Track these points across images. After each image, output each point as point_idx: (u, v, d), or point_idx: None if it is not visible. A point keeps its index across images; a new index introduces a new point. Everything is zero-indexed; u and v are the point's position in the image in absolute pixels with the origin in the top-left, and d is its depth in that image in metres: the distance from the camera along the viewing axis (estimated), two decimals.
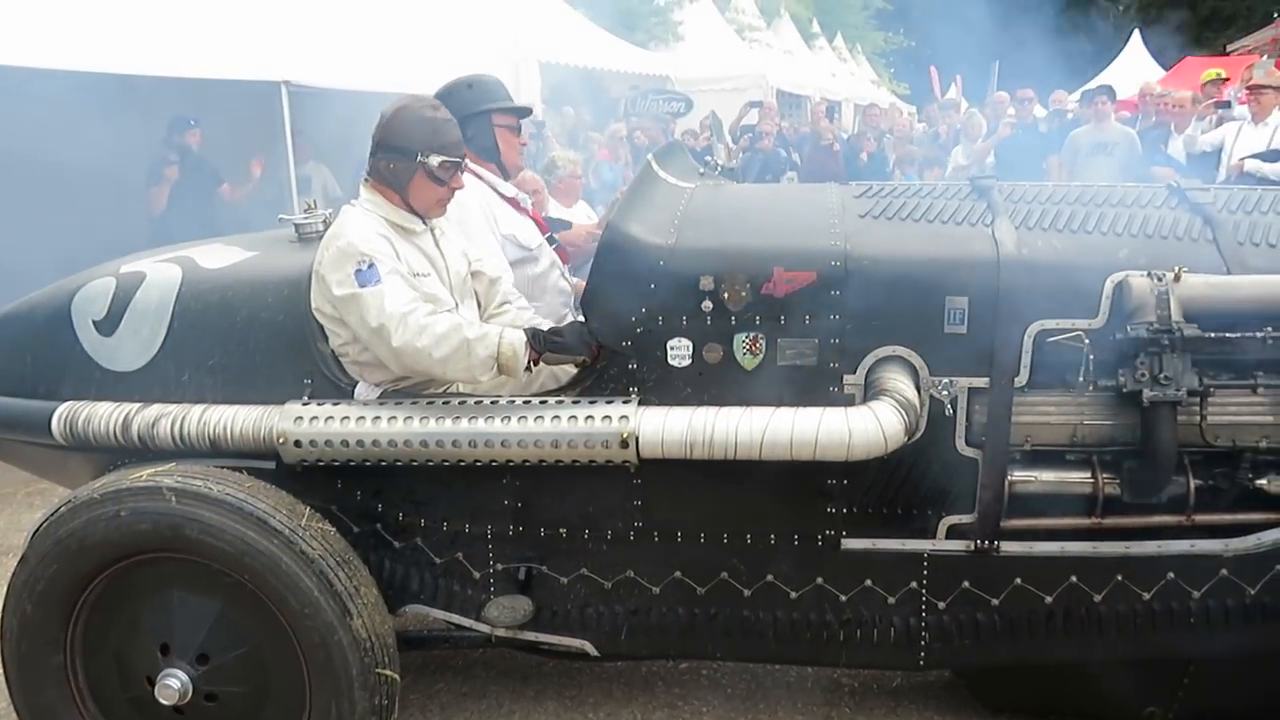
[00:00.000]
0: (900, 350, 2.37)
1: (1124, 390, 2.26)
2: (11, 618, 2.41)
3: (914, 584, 2.47)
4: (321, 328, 2.55)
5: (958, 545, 2.43)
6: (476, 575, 2.61)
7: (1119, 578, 2.38)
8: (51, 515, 2.40)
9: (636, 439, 2.31)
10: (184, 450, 2.53)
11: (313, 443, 2.42)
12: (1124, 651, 2.46)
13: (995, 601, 2.46)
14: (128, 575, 2.41)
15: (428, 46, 8.86)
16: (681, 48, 16.19)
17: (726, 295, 2.37)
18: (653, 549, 2.53)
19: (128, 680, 2.47)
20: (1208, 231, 2.43)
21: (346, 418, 2.42)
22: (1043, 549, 2.42)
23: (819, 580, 2.51)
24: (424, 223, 2.64)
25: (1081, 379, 2.32)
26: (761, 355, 2.39)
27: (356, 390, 2.54)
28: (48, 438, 2.65)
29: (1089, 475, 2.38)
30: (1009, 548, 2.42)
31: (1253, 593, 2.34)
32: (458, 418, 2.39)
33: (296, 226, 2.86)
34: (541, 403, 2.42)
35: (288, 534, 2.30)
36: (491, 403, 2.43)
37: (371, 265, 2.40)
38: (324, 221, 2.83)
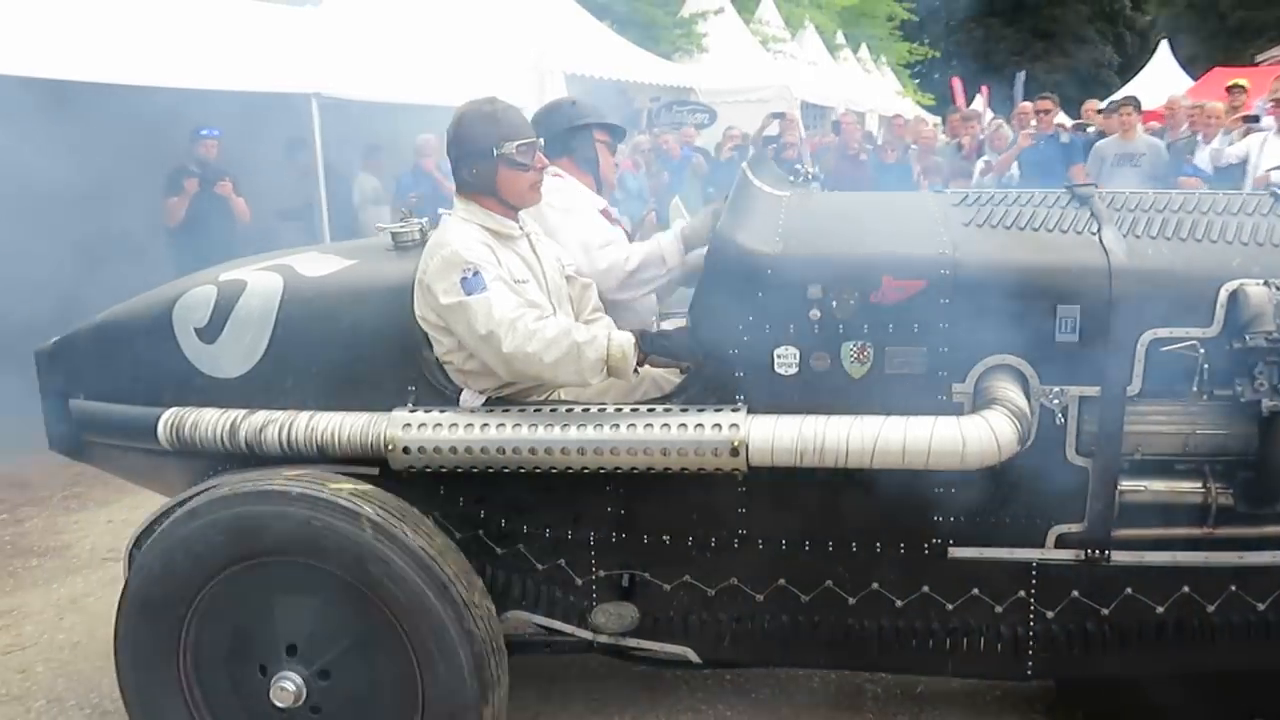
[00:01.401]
0: (1010, 359, 2.36)
1: (1241, 400, 2.24)
2: (165, 567, 2.44)
3: (1022, 593, 2.46)
4: (426, 336, 2.57)
5: (1067, 554, 2.42)
6: (579, 581, 2.62)
7: (1233, 588, 2.37)
8: (213, 494, 2.44)
9: (747, 447, 2.32)
10: (290, 456, 2.57)
11: (421, 449, 2.45)
12: (1236, 662, 2.44)
13: (1105, 611, 2.44)
14: (275, 566, 2.43)
15: (454, 58, 8.97)
16: (706, 59, 16.24)
17: (835, 304, 2.37)
18: (757, 556, 2.54)
19: (242, 658, 2.50)
20: None
21: (455, 425, 2.45)
22: (1154, 559, 2.41)
23: (925, 588, 2.50)
24: (520, 226, 2.68)
25: (1195, 388, 2.30)
26: (869, 364, 2.39)
27: (462, 398, 2.55)
28: (151, 442, 2.69)
29: (1201, 485, 2.37)
30: (1119, 557, 2.40)
31: None
32: (566, 425, 2.40)
33: (393, 235, 2.88)
34: (650, 410, 2.43)
35: (461, 605, 2.34)
36: (599, 410, 2.44)
37: (476, 273, 2.43)
38: (420, 230, 2.86)
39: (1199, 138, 8.04)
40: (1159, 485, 2.39)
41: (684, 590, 2.59)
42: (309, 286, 2.74)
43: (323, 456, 2.55)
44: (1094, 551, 2.40)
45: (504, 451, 2.41)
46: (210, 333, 2.72)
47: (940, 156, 10.31)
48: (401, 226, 2.87)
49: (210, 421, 2.62)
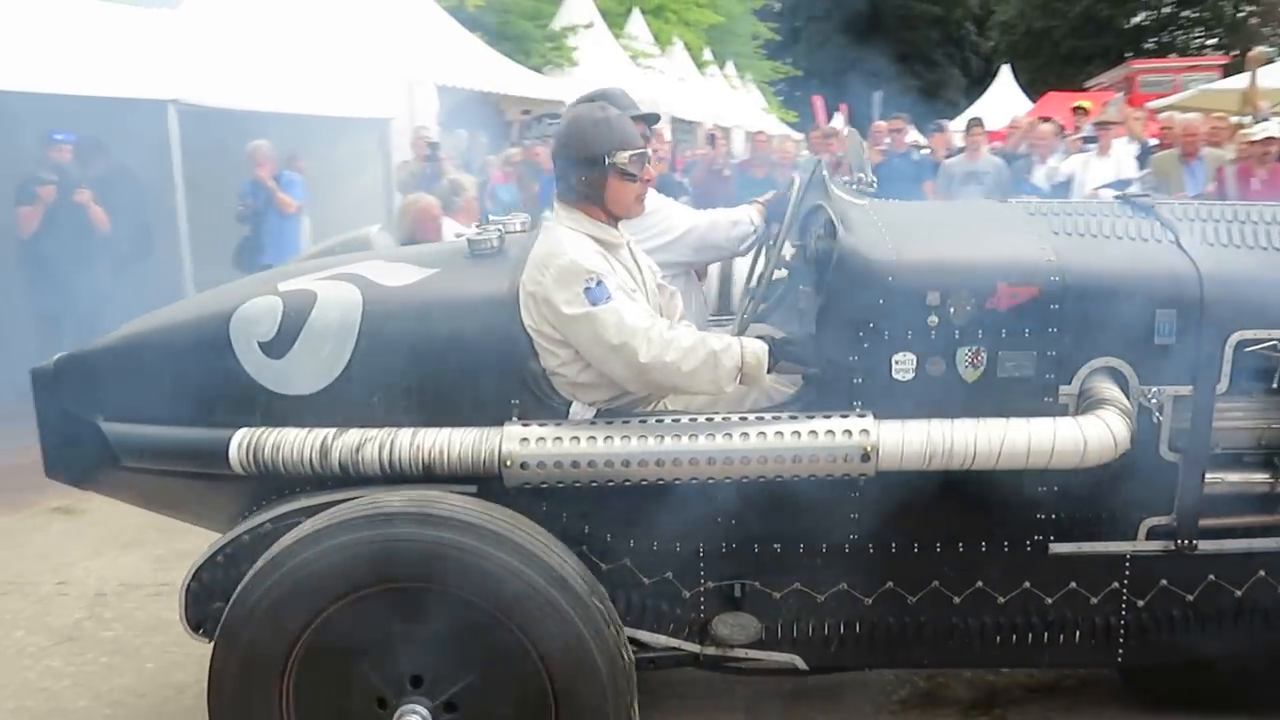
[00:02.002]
0: (1113, 361, 2.49)
1: None
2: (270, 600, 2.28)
3: (1115, 584, 2.60)
4: (533, 347, 2.48)
5: (1158, 545, 2.57)
6: (686, 594, 2.59)
7: None
8: (334, 518, 2.29)
9: (877, 451, 2.35)
10: (391, 476, 2.42)
11: (541, 464, 2.36)
12: None
13: (1190, 597, 2.60)
14: (397, 594, 2.31)
15: (322, 67, 8.71)
16: (576, 73, 16.31)
17: (952, 310, 2.44)
18: (867, 560, 2.57)
19: (355, 692, 2.36)
20: None
21: (576, 438, 2.37)
22: (1233, 546, 2.58)
23: (1027, 584, 2.60)
24: (622, 235, 2.63)
25: (1276, 385, 2.50)
26: (982, 368, 2.47)
27: (572, 410, 2.48)
28: (220, 467, 2.49)
29: (1271, 476, 2.56)
30: (1203, 546, 2.57)
31: None
32: (694, 435, 2.37)
33: (470, 242, 2.77)
34: (775, 418, 2.43)
35: (600, 623, 2.30)
36: (724, 419, 2.43)
37: (600, 282, 2.37)
38: (499, 238, 2.76)
39: (1035, 157, 8.56)
40: (1235, 477, 2.57)
41: (793, 597, 2.60)
42: (393, 297, 2.59)
43: (429, 476, 2.42)
44: (1183, 541, 2.55)
45: (629, 464, 2.35)
46: (278, 347, 2.53)
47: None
48: (480, 234, 2.76)
49: (295, 442, 2.45)
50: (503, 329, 2.50)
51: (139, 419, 2.65)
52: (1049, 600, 2.61)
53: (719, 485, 2.43)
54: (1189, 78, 19.73)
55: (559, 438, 2.37)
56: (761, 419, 2.43)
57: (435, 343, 2.52)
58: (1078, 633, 2.63)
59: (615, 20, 19.59)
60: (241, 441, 2.48)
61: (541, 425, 2.41)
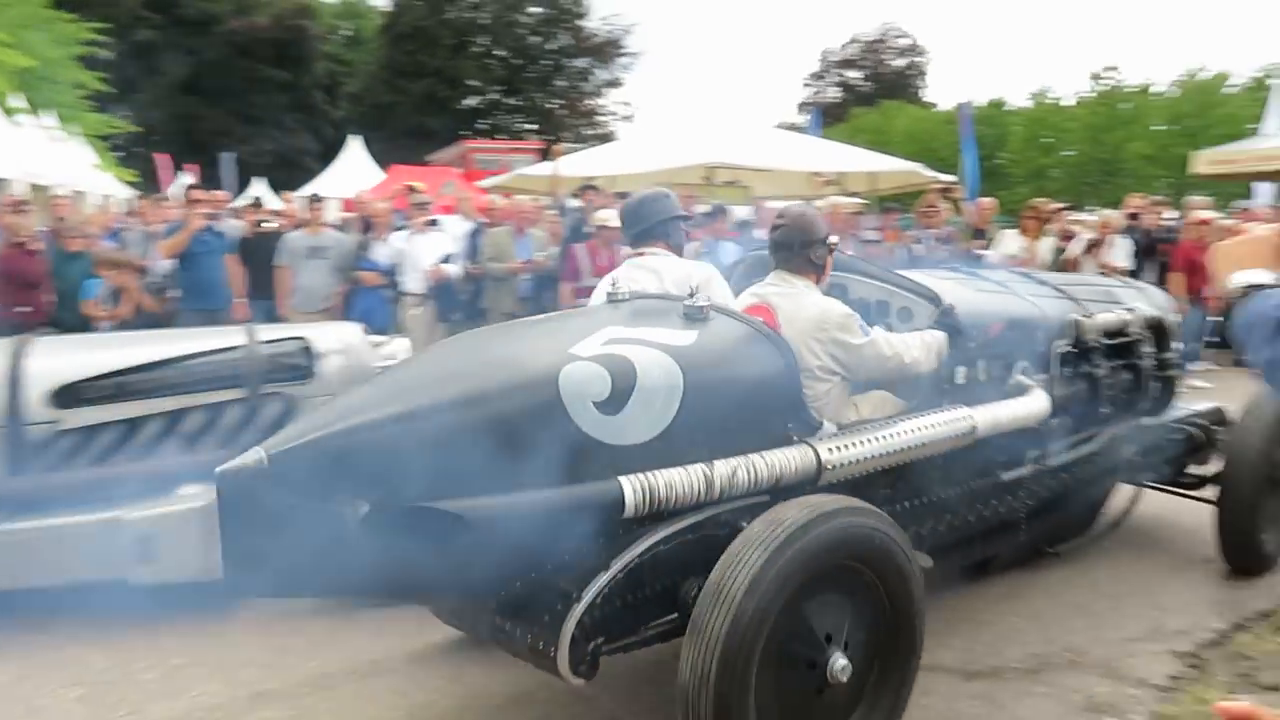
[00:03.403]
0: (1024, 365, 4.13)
1: None
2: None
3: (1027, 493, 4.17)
4: (800, 383, 3.29)
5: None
6: (923, 530, 3.75)
7: None
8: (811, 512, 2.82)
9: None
10: (750, 491, 3.04)
11: (842, 465, 3.25)
12: None
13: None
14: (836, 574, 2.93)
15: None
16: None
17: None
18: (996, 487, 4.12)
19: (801, 651, 2.84)
20: None
21: (866, 442, 3.35)
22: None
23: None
24: None
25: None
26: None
27: (824, 428, 3.31)
28: (617, 513, 2.76)
29: None
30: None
31: None
32: (936, 426, 3.59)
33: (686, 307, 3.22)
34: (937, 411, 3.72)
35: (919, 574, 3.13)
36: (927, 417, 3.63)
37: (861, 322, 3.50)
38: (707, 300, 3.29)
39: (371, 234, 8.94)
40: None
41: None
42: (694, 355, 3.03)
43: (775, 487, 3.07)
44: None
45: (895, 453, 3.42)
46: (611, 405, 2.80)
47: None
48: (692, 301, 3.24)
49: (682, 480, 2.86)
50: (775, 373, 3.21)
51: (461, 493, 2.57)
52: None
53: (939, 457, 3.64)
54: (514, 158, 22.45)
55: (851, 444, 3.29)
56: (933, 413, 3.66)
57: (735, 389, 3.12)
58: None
59: None
60: (635, 487, 2.76)
61: (834, 440, 3.28)
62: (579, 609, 2.70)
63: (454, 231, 9.54)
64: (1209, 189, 23.93)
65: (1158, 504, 5.26)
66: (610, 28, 40.44)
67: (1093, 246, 9.11)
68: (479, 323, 9.20)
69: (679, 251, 3.96)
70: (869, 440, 3.34)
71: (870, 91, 49.43)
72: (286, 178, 24.71)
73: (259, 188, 22.68)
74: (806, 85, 54.27)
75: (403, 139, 33.29)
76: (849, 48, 52.44)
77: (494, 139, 32.57)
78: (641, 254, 3.86)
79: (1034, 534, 4.37)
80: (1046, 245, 9.01)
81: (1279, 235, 1.63)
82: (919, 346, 3.62)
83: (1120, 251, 9.32)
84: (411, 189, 9.35)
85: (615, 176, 12.33)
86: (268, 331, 4.86)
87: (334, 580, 2.66)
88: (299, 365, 4.65)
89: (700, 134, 12.89)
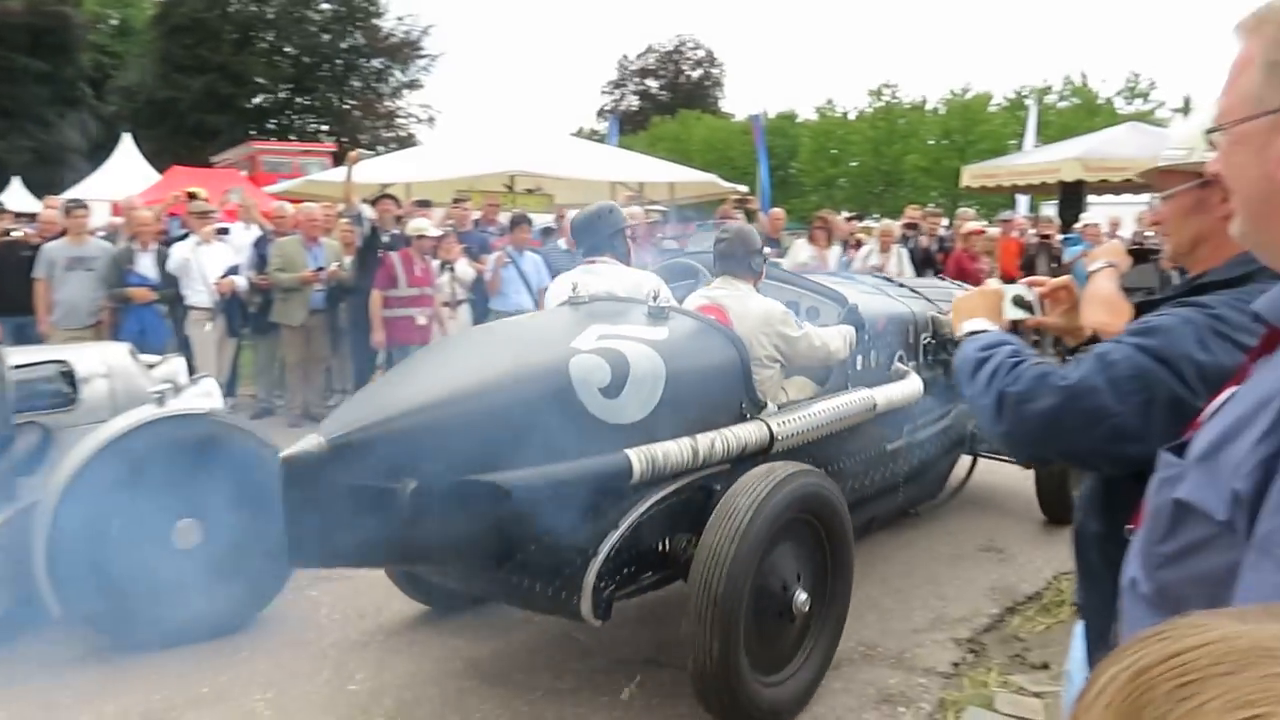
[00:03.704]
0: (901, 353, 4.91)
1: None
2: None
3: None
4: (750, 369, 3.86)
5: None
6: (852, 485, 4.44)
7: None
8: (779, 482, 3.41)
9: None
10: (726, 459, 3.62)
11: (789, 436, 3.85)
12: None
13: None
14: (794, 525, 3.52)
15: None
16: None
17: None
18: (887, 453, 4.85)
19: (775, 589, 3.46)
20: None
21: (805, 417, 3.97)
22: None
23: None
24: None
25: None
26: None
27: (768, 408, 3.90)
28: (625, 480, 3.24)
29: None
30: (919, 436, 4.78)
31: None
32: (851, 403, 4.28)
33: (650, 308, 3.77)
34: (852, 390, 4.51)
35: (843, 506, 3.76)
36: (844, 398, 4.33)
37: (795, 318, 4.17)
38: (664, 306, 3.87)
39: (135, 244, 8.20)
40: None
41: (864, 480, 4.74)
42: (670, 347, 3.53)
43: (739, 456, 3.65)
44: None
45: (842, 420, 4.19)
46: (612, 390, 3.28)
47: None
48: (653, 304, 3.82)
49: (675, 450, 3.38)
50: (731, 361, 3.79)
51: (495, 468, 2.96)
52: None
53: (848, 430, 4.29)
54: (305, 161, 21.47)
55: (793, 420, 3.91)
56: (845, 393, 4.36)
57: (704, 376, 3.67)
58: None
59: None
60: (640, 458, 3.27)
61: (779, 416, 3.88)
62: (597, 562, 3.20)
63: (238, 241, 9.00)
64: (977, 200, 26.04)
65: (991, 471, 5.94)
66: (407, 28, 39.47)
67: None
68: (271, 337, 8.75)
69: (625, 261, 4.43)
70: (806, 415, 4.00)
71: (669, 100, 50.66)
72: (49, 177, 22.59)
73: (15, 188, 20.65)
74: (605, 93, 55.06)
75: (184, 138, 31.19)
76: (646, 57, 53.56)
77: (285, 140, 31.04)
78: (593, 263, 4.32)
79: (907, 496, 5.11)
80: (834, 254, 9.49)
81: (999, 295, 1.89)
82: (838, 338, 4.30)
83: (900, 260, 9.92)
84: (192, 195, 8.73)
85: (413, 184, 12.04)
86: (21, 355, 4.39)
87: (385, 550, 3.05)
88: (59, 392, 4.23)
89: (501, 141, 12.77)
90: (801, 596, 3.51)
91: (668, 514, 3.44)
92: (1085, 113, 31.60)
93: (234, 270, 8.27)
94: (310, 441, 2.79)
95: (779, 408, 3.99)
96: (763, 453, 3.76)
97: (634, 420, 3.33)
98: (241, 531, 4.07)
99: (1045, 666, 3.99)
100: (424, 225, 8.17)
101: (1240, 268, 1.51)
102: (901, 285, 5.81)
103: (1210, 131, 1.10)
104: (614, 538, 3.23)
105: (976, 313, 1.84)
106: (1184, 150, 1.63)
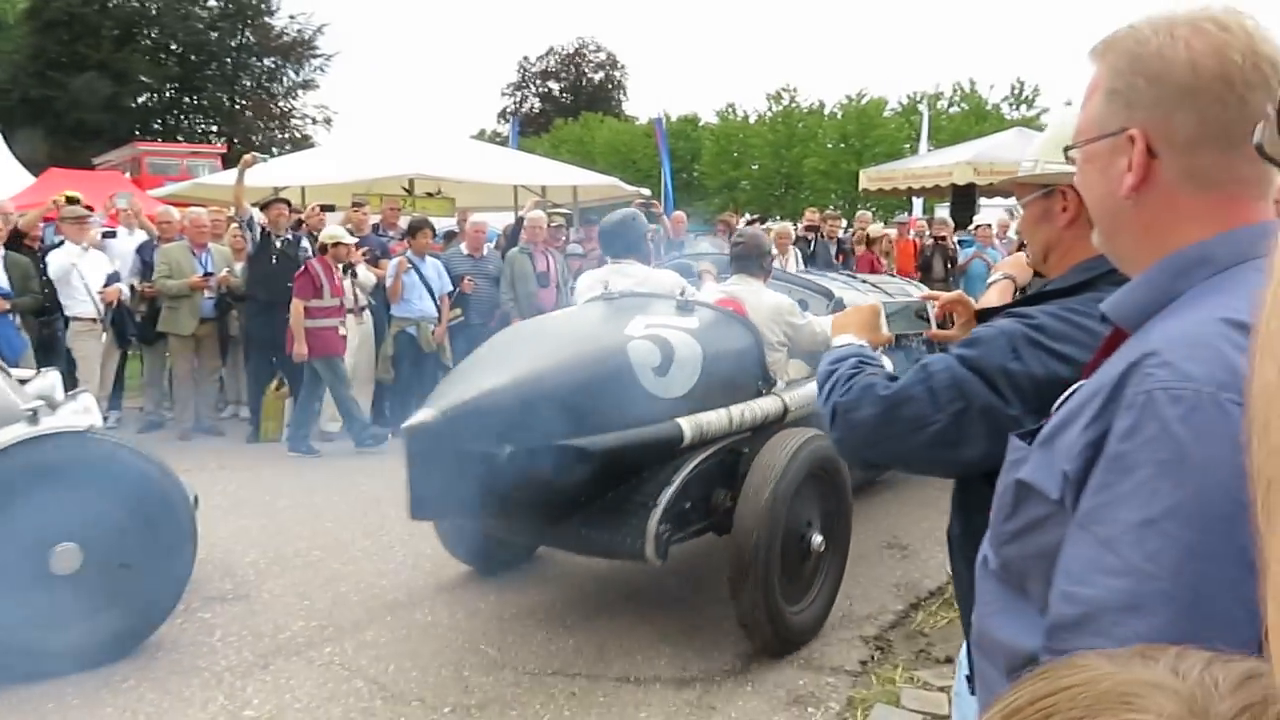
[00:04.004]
0: None
1: None
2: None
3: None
4: (764, 352, 4.51)
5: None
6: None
7: None
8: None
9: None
10: (751, 427, 4.32)
11: (799, 408, 4.54)
12: None
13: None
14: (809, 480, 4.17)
15: None
16: None
17: None
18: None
19: (798, 532, 4.13)
20: None
21: (802, 394, 4.56)
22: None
23: None
24: None
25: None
26: None
27: (778, 386, 4.56)
28: (677, 444, 3.92)
29: None
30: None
31: None
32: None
33: (679, 300, 4.50)
34: None
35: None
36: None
37: (799, 309, 4.82)
38: (691, 300, 4.58)
39: None
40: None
41: None
42: (702, 334, 4.19)
43: (763, 424, 4.34)
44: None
45: None
46: (661, 370, 3.95)
47: None
48: (682, 300, 4.53)
49: (720, 419, 4.08)
50: (749, 346, 4.48)
51: (575, 434, 3.66)
52: None
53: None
54: (193, 163, 20.69)
55: (796, 394, 4.57)
56: None
57: (728, 357, 4.29)
58: None
59: None
60: (689, 426, 3.93)
61: (789, 392, 4.59)
62: (658, 511, 3.77)
63: (122, 248, 8.59)
64: (875, 203, 26.70)
65: None
66: (300, 27, 38.37)
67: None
68: (158, 348, 8.38)
69: (646, 261, 5.40)
70: (808, 391, 4.46)
71: (571, 103, 50.53)
72: None
73: None
74: (506, 95, 54.59)
75: (62, 138, 29.65)
76: (547, 59, 53.30)
77: (172, 141, 29.84)
78: (620, 263, 5.12)
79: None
80: None
81: (874, 312, 1.96)
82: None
83: (796, 262, 10.06)
84: (71, 200, 8.26)
85: (308, 187, 11.70)
86: None
87: (487, 503, 3.64)
88: None
89: (400, 143, 12.52)
90: (818, 538, 4.18)
91: (708, 473, 4.05)
92: (974, 118, 32.74)
93: (114, 278, 7.88)
94: (425, 414, 3.48)
95: (786, 384, 4.69)
96: (777, 421, 4.46)
97: (680, 395, 4.01)
98: (126, 553, 3.86)
99: (949, 660, 4.06)
100: (339, 233, 7.94)
101: (1078, 276, 1.59)
102: (864, 280, 6.68)
103: (1068, 149, 1.19)
104: (670, 491, 3.82)
105: (849, 329, 1.92)
106: (1031, 163, 1.72)
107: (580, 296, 4.99)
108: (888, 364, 1.82)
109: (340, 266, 7.80)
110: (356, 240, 8.32)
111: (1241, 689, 0.52)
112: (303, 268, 7.58)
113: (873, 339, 1.89)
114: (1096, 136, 1.09)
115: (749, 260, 4.90)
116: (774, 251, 5.30)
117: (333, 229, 8.02)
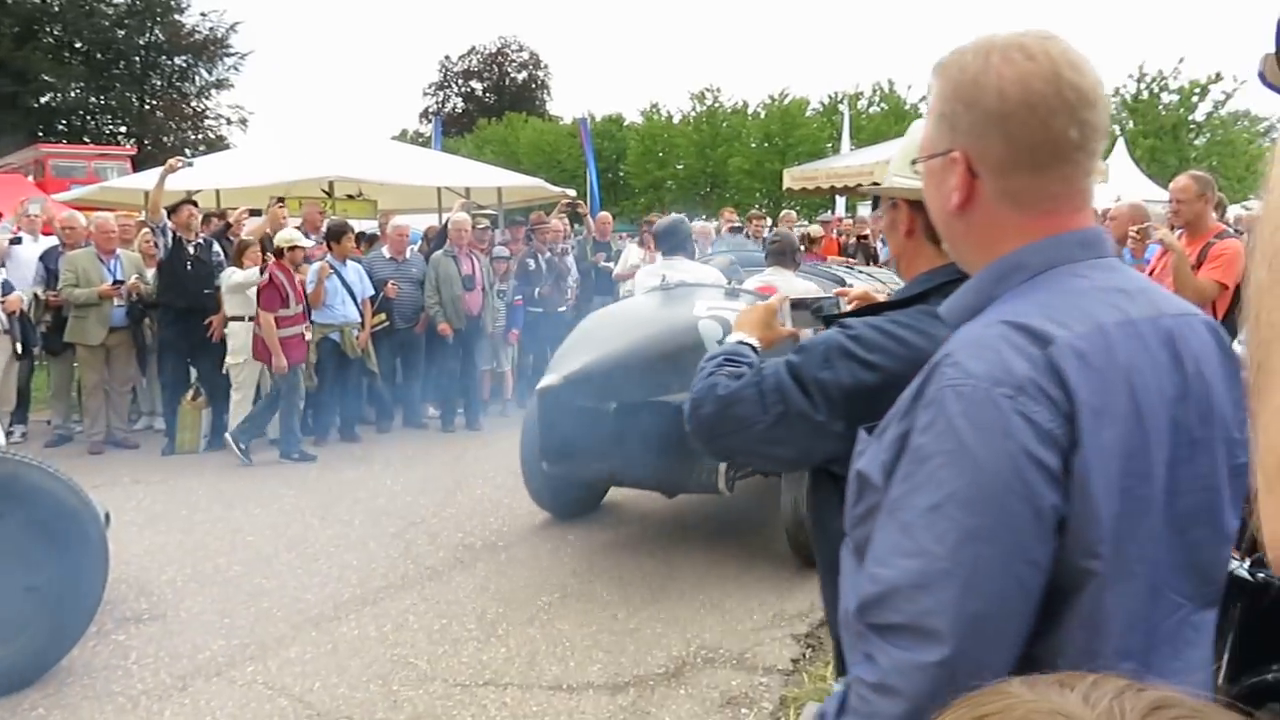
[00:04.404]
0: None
1: None
2: None
3: None
4: None
5: None
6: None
7: None
8: None
9: None
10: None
11: None
12: None
13: None
14: None
15: None
16: None
17: None
18: None
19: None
20: None
21: None
22: None
23: None
24: None
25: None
26: None
27: None
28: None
29: None
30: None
31: None
32: None
33: (727, 290, 5.37)
34: None
35: None
36: None
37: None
38: (737, 288, 5.44)
39: None
40: None
41: None
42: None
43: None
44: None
45: None
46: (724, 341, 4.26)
47: None
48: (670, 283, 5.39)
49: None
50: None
51: (665, 392, 4.60)
52: None
53: None
54: (101, 165, 19.98)
55: None
56: None
57: None
58: None
59: None
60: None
61: None
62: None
63: (25, 255, 8.25)
64: (799, 202, 27.02)
65: None
66: (212, 24, 37.26)
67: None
68: (66, 358, 8.06)
69: (691, 257, 6.29)
70: None
71: (494, 103, 50.10)
72: None
73: None
74: (428, 94, 53.88)
75: None
76: (469, 58, 52.76)
77: (78, 142, 28.75)
78: (671, 260, 5.90)
79: None
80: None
81: (768, 311, 2.01)
82: None
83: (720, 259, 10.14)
84: None
85: (224, 190, 11.37)
86: None
87: (599, 448, 4.81)
88: None
89: (320, 145, 12.23)
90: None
91: None
92: (894, 118, 33.30)
93: (9, 287, 7.53)
94: (551, 378, 4.67)
95: None
96: None
97: None
98: (33, 574, 3.69)
99: None
100: (295, 235, 7.71)
101: (916, 288, 1.67)
102: (862, 272, 7.57)
103: (914, 162, 1.26)
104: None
105: (743, 327, 1.98)
106: (879, 175, 1.82)
107: (641, 287, 6.02)
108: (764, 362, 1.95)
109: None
110: (315, 241, 8.14)
111: (1149, 718, 0.55)
112: (266, 278, 7.35)
113: (763, 336, 1.96)
114: (930, 155, 1.16)
115: (783, 255, 5.88)
116: (802, 248, 6.69)
117: (289, 232, 7.79)
